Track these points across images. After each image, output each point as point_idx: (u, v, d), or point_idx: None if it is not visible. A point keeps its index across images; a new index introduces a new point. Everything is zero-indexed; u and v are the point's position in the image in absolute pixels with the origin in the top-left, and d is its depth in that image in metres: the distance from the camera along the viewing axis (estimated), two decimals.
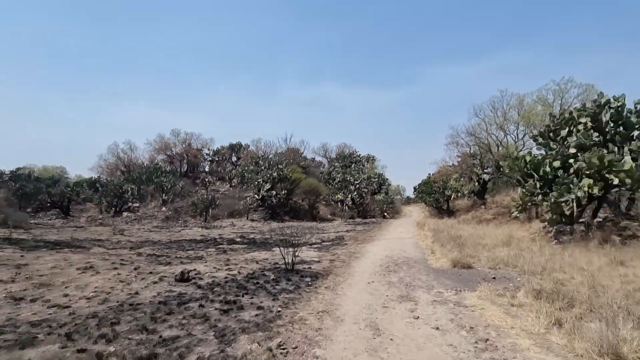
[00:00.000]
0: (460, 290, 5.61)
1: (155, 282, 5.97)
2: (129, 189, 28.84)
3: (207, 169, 44.49)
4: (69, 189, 29.47)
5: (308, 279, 6.25)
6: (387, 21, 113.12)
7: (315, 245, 12.75)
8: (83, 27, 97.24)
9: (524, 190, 11.92)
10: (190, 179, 39.52)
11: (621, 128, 11.53)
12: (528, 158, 11.31)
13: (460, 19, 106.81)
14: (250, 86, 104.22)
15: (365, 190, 33.43)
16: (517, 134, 20.46)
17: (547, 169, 10.91)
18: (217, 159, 43.18)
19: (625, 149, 11.26)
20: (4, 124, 71.24)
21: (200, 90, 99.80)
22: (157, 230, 20.57)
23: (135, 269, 7.18)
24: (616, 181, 9.35)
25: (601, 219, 11.47)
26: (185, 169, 43.19)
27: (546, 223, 10.86)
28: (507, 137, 20.78)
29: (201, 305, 4.45)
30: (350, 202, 32.27)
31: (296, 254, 7.92)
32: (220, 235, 18.37)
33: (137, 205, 29.22)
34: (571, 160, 10.85)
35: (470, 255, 9.12)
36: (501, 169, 19.48)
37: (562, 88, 19.20)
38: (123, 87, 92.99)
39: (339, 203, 32.40)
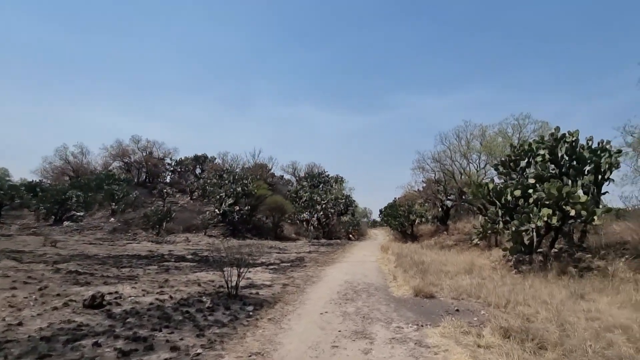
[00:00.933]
0: (422, 325, 4.98)
1: (55, 308, 4.78)
2: (74, 195, 26.13)
3: (168, 180, 41.99)
4: (2, 192, 26.15)
5: (250, 308, 5.33)
6: (362, 51, 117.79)
7: (272, 267, 11.77)
8: (43, 20, 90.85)
9: (486, 218, 11.88)
10: (148, 189, 36.93)
11: (575, 162, 11.98)
12: (491, 185, 11.34)
13: (430, 55, 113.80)
14: (223, 100, 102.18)
15: (332, 210, 32.90)
16: (479, 163, 21.15)
17: (509, 197, 10.95)
18: (179, 169, 40.96)
19: (579, 182, 11.65)
20: None
21: (169, 100, 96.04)
22: (99, 243, 18.45)
23: (40, 289, 5.86)
24: (572, 212, 9.45)
25: (556, 250, 11.62)
26: (144, 178, 40.46)
27: (507, 252, 10.76)
28: (470, 166, 21.41)
29: (97, 344, 3.42)
30: (316, 222, 31.50)
31: (245, 276, 6.99)
32: (170, 251, 16.76)
33: (82, 214, 26.46)
34: (530, 190, 10.98)
35: (433, 283, 8.64)
36: (463, 196, 19.80)
37: (520, 123, 20.32)
38: (84, 88, 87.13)
39: (304, 222, 31.52)
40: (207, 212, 25.68)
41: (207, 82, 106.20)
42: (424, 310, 6.07)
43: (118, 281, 7.21)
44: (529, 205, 10.17)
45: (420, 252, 17.86)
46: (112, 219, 26.66)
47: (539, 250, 10.91)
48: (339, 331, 4.57)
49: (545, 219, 9.39)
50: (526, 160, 12.57)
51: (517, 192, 10.79)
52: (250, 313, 5.08)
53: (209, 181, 29.48)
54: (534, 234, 9.69)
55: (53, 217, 25.68)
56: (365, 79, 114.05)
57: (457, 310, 6.07)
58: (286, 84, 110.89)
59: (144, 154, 39.17)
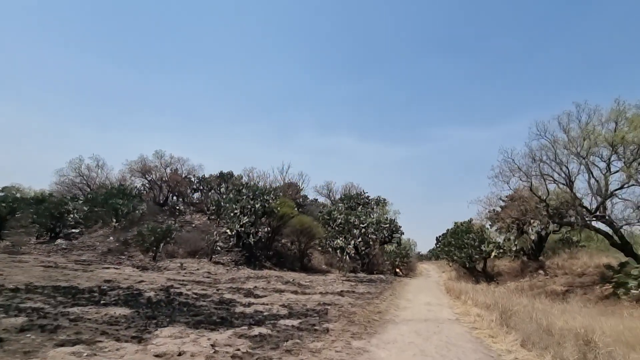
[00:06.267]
0: None
1: None
2: (73, 209, 22.65)
3: (194, 199, 38.33)
4: (3, 204, 23.44)
5: None
6: (402, 83, 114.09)
7: (264, 327, 5.85)
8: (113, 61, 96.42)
9: None
10: (165, 207, 33.27)
11: None
12: None
13: (473, 86, 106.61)
14: (264, 133, 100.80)
15: (373, 237, 26.39)
16: (609, 165, 13.39)
17: None
18: (202, 188, 37.24)
19: None
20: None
21: (211, 132, 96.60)
22: (66, 267, 13.86)
23: None
24: None
25: None
26: (166, 196, 37.18)
27: None
28: (594, 168, 13.72)
29: None
30: (353, 251, 25.10)
31: None
32: (140, 282, 11.57)
33: (78, 231, 22.79)
34: None
35: None
36: (586, 215, 12.61)
37: None
38: (139, 121, 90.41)
39: (338, 251, 25.24)
40: (215, 233, 20.60)
41: (250, 116, 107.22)
42: None
43: None
44: None
45: (517, 301, 10.93)
46: (111, 237, 22.61)
47: None
48: None
49: None
50: None
51: None
52: None
53: (224, 197, 24.81)
54: None
55: (47, 233, 22.20)
56: (406, 110, 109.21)
57: None
58: (326, 115, 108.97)
59: (168, 170, 36.09)
